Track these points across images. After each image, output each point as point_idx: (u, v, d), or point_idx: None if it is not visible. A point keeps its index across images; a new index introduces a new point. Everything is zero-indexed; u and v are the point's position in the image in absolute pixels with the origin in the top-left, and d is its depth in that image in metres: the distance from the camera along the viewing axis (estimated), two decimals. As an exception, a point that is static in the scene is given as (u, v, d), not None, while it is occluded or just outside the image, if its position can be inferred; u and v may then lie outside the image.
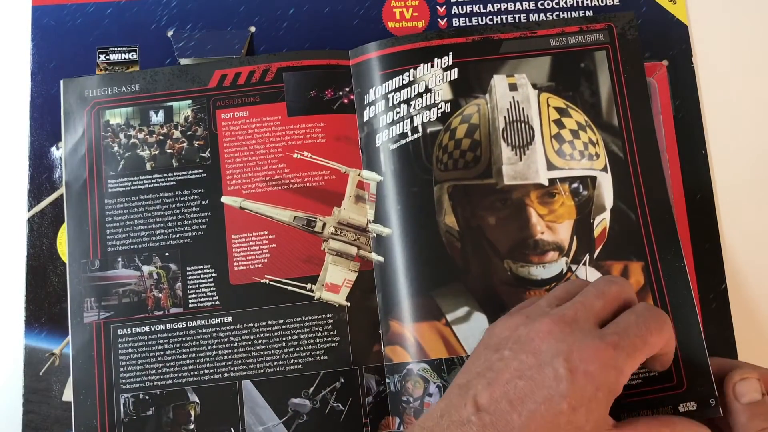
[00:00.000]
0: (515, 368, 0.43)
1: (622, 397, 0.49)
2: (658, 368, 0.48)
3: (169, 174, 0.59)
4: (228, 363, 0.56)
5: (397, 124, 0.59)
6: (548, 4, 0.67)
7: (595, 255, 0.57)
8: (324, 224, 0.58)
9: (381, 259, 0.58)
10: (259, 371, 0.56)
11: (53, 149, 0.62)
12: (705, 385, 0.51)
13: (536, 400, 0.41)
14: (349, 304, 0.57)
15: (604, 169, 0.58)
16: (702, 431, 0.47)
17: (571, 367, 0.41)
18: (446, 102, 0.59)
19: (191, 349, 0.57)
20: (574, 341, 0.42)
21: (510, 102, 0.59)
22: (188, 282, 0.58)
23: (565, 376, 0.41)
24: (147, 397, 0.56)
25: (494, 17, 0.66)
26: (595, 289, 0.47)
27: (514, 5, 0.67)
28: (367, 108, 0.60)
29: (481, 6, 0.67)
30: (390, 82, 0.60)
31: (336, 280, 0.58)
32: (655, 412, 0.51)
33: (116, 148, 0.60)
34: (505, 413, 0.41)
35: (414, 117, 0.59)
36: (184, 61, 0.64)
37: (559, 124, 0.58)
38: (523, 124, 0.58)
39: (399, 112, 0.59)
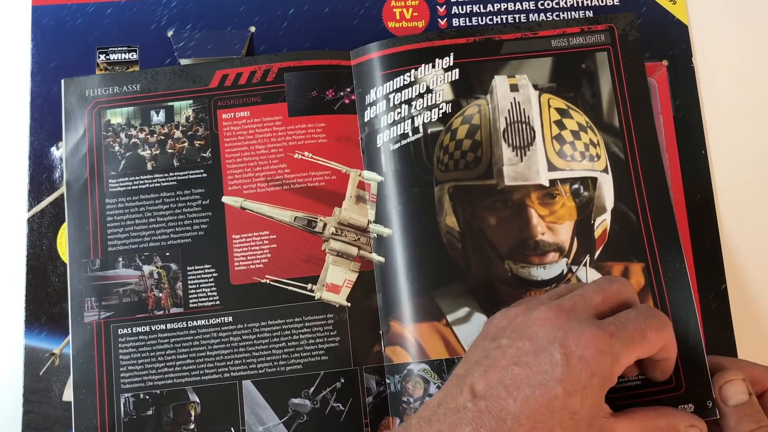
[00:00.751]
0: (512, 355, 0.43)
1: (620, 397, 0.49)
2: (659, 376, 0.48)
3: (170, 174, 0.59)
4: (228, 363, 0.56)
5: (398, 125, 0.59)
6: (548, 5, 0.67)
7: (596, 256, 0.57)
8: (325, 224, 0.58)
9: (381, 259, 0.58)
10: (260, 371, 0.56)
11: (53, 149, 0.62)
12: (703, 387, 0.51)
13: (531, 385, 0.41)
14: (349, 304, 0.57)
15: (605, 170, 0.58)
16: (697, 423, 0.47)
17: (566, 352, 0.42)
18: (447, 102, 0.59)
19: (192, 349, 0.57)
20: (571, 328, 0.43)
21: (511, 103, 0.59)
22: (189, 282, 0.58)
23: (560, 361, 0.41)
24: (147, 397, 0.56)
25: (494, 17, 0.66)
26: (595, 285, 0.47)
27: (514, 5, 0.67)
28: (368, 108, 0.60)
29: (481, 6, 0.67)
30: (391, 82, 0.60)
31: (336, 281, 0.58)
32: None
33: (117, 148, 0.60)
34: (500, 399, 0.41)
35: (415, 117, 0.59)
36: (184, 61, 0.64)
37: (560, 125, 0.58)
38: (524, 125, 0.58)
39: (400, 113, 0.59)
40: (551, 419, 0.41)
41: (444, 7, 0.67)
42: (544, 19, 0.66)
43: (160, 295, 0.58)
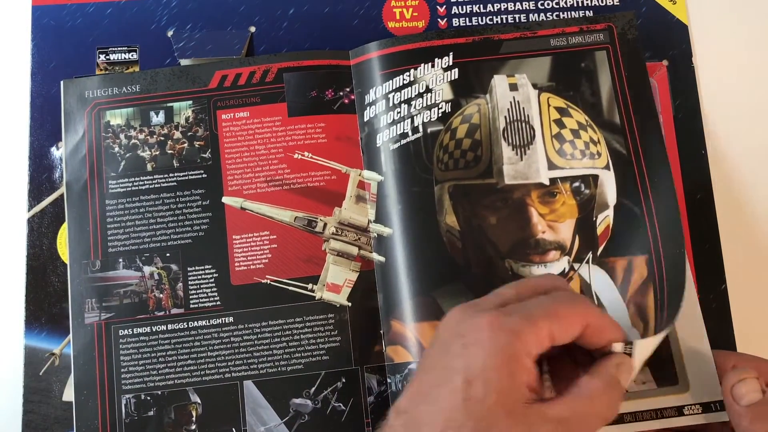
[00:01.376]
0: (426, 364, 0.43)
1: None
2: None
3: (170, 174, 0.59)
4: (229, 363, 0.56)
5: (398, 124, 0.59)
6: (548, 4, 0.67)
7: (599, 253, 0.57)
8: (325, 224, 0.58)
9: (382, 259, 0.58)
10: (261, 371, 0.56)
11: (53, 149, 0.62)
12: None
13: (438, 385, 0.41)
14: (350, 304, 0.57)
15: (606, 167, 0.58)
16: (625, 360, 0.43)
17: (464, 342, 0.41)
18: (447, 102, 0.59)
19: (192, 350, 0.56)
20: (468, 318, 0.42)
21: (510, 102, 0.59)
22: (189, 282, 0.58)
23: (459, 352, 0.41)
24: (148, 398, 0.56)
25: (494, 17, 0.66)
26: (516, 281, 0.46)
27: (514, 5, 0.67)
28: (368, 108, 0.60)
29: (481, 6, 0.67)
30: (390, 82, 0.60)
31: (337, 280, 0.58)
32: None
33: (117, 149, 0.60)
34: (416, 409, 0.41)
35: (414, 117, 0.59)
36: (184, 62, 0.64)
37: (560, 123, 0.58)
38: (523, 124, 0.58)
39: (400, 112, 0.59)
40: (459, 415, 0.39)
41: (444, 7, 0.67)
42: (544, 18, 0.66)
43: (161, 295, 0.58)
